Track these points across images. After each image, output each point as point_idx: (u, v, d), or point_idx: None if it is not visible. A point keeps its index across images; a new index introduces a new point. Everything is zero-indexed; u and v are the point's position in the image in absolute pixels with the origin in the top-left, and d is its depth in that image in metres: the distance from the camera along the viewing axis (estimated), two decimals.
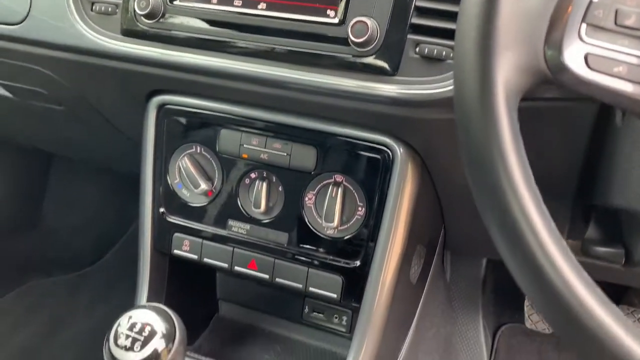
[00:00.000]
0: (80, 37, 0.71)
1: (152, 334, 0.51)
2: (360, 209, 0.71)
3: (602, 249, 0.72)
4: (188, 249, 0.79)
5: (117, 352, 0.50)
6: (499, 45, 0.39)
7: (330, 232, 0.72)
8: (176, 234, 0.80)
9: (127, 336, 0.51)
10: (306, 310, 0.91)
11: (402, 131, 0.67)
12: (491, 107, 0.39)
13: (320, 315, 0.90)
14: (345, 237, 0.72)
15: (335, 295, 0.73)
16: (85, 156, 1.29)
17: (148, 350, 0.50)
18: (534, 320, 1.30)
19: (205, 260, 0.79)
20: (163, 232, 0.80)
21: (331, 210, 0.70)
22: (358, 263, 0.72)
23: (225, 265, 0.78)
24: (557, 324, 0.39)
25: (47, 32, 0.73)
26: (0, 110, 1.08)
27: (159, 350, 0.51)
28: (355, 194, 0.70)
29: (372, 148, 0.69)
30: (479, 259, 1.35)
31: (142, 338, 0.51)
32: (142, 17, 0.68)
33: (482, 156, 0.39)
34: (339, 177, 0.70)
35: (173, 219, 0.80)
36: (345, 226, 0.71)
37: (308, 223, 0.73)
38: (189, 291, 0.91)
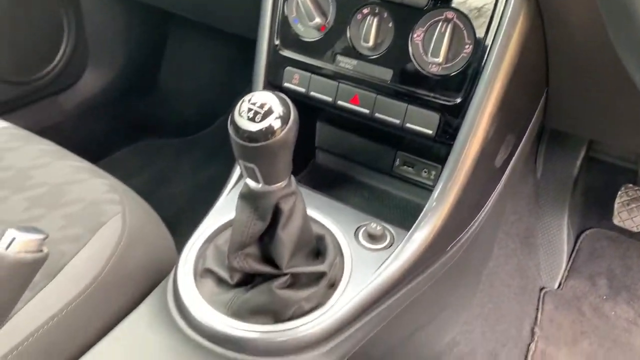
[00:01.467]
0: None
1: (270, 112, 0.58)
2: (467, 47, 0.73)
3: None
4: (297, 82, 0.85)
5: (240, 120, 0.58)
6: None
7: (434, 69, 0.75)
8: (288, 68, 0.86)
9: (250, 109, 0.58)
10: (397, 163, 0.96)
11: None
12: None
13: (409, 168, 0.95)
14: (449, 74, 0.75)
15: (430, 132, 0.77)
16: (204, 14, 1.36)
17: (265, 124, 0.57)
18: (623, 217, 1.28)
19: (312, 93, 0.85)
20: (276, 66, 0.87)
21: (438, 46, 0.73)
22: (458, 100, 0.75)
23: (330, 99, 0.83)
24: None
25: None
26: None
27: (275, 127, 0.58)
28: (464, 31, 0.73)
29: None
30: (574, 157, 1.33)
31: (262, 112, 0.58)
32: None
33: None
34: (450, 14, 0.73)
35: (286, 53, 0.86)
36: (450, 64, 0.74)
37: (413, 59, 0.76)
38: None
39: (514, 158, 0.96)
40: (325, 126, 1.00)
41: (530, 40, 0.73)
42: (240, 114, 0.58)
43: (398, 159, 0.95)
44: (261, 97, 0.58)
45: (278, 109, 0.58)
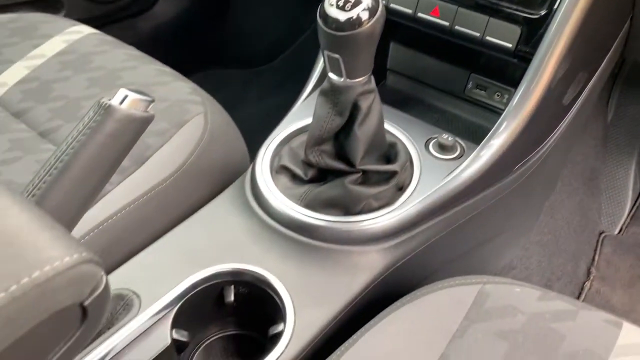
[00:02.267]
0: None
1: (359, 2, 0.60)
2: None
3: None
4: None
5: (329, 9, 0.60)
6: None
7: None
8: None
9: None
10: (469, 85, 0.96)
11: None
12: None
13: (482, 91, 0.95)
14: None
15: (510, 45, 0.78)
16: None
17: (353, 13, 0.60)
18: None
19: (392, 5, 0.86)
20: None
21: None
22: (543, 12, 0.74)
23: (410, 10, 0.84)
24: None
25: None
26: None
27: (362, 18, 0.60)
28: None
29: None
30: None
31: (351, 2, 0.60)
32: None
33: None
34: None
35: None
36: None
37: None
38: None
39: (582, 95, 0.95)
40: (399, 47, 1.01)
41: None
42: (330, 3, 0.61)
43: (471, 82, 0.95)
44: None
45: (367, 1, 0.60)
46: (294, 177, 0.78)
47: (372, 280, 0.71)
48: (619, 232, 1.31)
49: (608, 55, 0.95)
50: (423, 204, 0.75)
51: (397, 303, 0.64)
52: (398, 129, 0.83)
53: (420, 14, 0.84)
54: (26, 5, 1.31)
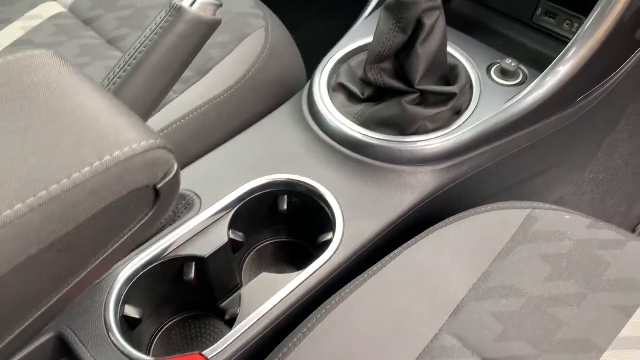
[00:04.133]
0: None
1: None
2: None
3: None
4: None
5: None
6: None
7: None
8: None
9: None
10: (539, 12, 0.92)
11: None
12: None
13: (551, 19, 0.91)
14: None
15: None
16: None
17: None
18: None
19: None
20: None
21: None
22: None
23: None
24: None
25: None
26: None
27: None
28: None
29: None
30: None
31: None
32: None
33: None
34: None
35: None
36: None
37: None
38: None
39: None
40: None
41: None
42: None
43: (540, 8, 0.91)
44: None
45: None
46: (351, 95, 0.79)
47: (420, 200, 0.72)
48: None
49: None
50: (478, 129, 0.75)
51: (443, 223, 0.65)
52: (460, 52, 0.82)
53: None
54: None
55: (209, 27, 0.55)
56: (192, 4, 0.53)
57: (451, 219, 0.66)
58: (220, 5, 0.55)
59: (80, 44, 0.93)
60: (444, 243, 0.64)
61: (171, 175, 0.41)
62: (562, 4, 0.89)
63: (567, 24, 0.90)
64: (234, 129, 0.81)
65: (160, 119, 0.78)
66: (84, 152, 0.36)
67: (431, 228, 0.65)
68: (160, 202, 0.41)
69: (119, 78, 0.50)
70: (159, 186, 0.40)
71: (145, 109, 0.51)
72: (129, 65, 0.50)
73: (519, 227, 0.63)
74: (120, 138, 0.38)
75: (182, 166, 0.75)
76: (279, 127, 0.79)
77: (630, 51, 0.89)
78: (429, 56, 0.70)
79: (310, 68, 0.87)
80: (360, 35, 0.85)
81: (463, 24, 1.00)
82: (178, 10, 0.52)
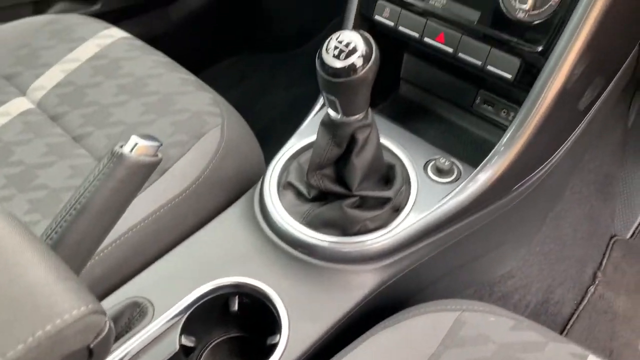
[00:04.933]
0: None
1: (354, 50, 0.64)
2: None
3: None
4: (388, 15, 0.89)
5: (326, 57, 0.65)
6: None
7: (521, 15, 0.77)
8: (380, 1, 0.90)
9: (336, 47, 0.64)
10: (478, 100, 0.99)
11: None
12: None
13: (489, 107, 0.98)
14: (534, 22, 0.76)
15: (510, 76, 0.80)
16: None
17: (348, 62, 0.64)
18: None
19: (400, 28, 0.89)
20: None
21: None
22: (540, 48, 0.76)
23: (417, 34, 0.87)
24: None
25: None
26: None
27: (357, 65, 0.64)
28: None
29: None
30: None
31: (346, 50, 0.64)
32: None
33: None
34: None
35: None
36: (537, 11, 0.75)
37: (501, 3, 0.78)
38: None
39: (599, 101, 0.96)
40: (412, 58, 1.04)
41: None
42: (327, 51, 0.65)
43: (479, 97, 0.98)
44: (347, 36, 0.65)
45: (361, 48, 0.64)
46: (299, 194, 0.84)
47: (364, 297, 0.77)
48: (631, 236, 1.32)
49: (622, 69, 0.96)
50: (417, 226, 0.80)
51: (377, 327, 0.70)
52: (401, 148, 0.88)
53: (426, 39, 0.86)
54: None
55: (150, 168, 0.60)
56: (132, 149, 0.58)
57: (384, 322, 0.70)
58: (160, 145, 0.60)
59: (46, 142, 0.97)
60: (380, 348, 0.68)
61: (103, 334, 0.45)
62: (498, 94, 0.96)
63: (504, 112, 0.96)
64: (190, 228, 0.86)
65: (119, 224, 0.82)
66: (17, 330, 0.41)
67: (365, 334, 0.70)
68: (94, 358, 0.46)
69: (60, 227, 0.55)
70: (92, 345, 0.45)
71: (86, 254, 0.56)
72: (70, 215, 0.55)
73: (448, 330, 0.67)
74: (53, 310, 0.43)
75: (137, 271, 0.80)
76: (230, 227, 0.84)
77: (572, 126, 0.95)
78: (365, 166, 0.75)
79: (280, 137, 0.91)
80: (311, 132, 0.91)
81: (411, 108, 1.07)
82: (119, 157, 0.57)
